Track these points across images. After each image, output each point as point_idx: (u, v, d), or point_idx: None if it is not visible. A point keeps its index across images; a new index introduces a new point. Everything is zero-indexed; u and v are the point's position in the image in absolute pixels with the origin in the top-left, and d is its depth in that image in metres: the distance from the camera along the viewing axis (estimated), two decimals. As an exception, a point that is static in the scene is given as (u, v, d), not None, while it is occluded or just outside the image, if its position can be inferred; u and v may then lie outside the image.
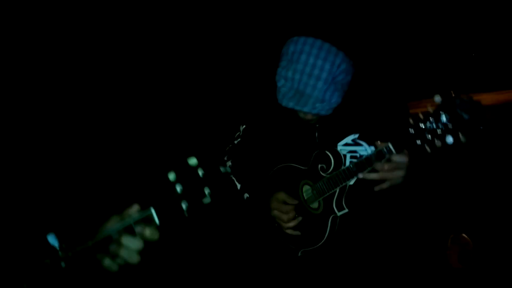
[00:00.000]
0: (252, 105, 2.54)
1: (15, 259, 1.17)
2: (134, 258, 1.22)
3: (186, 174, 1.23)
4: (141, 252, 1.23)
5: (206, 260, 2.91)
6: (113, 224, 1.25)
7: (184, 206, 1.24)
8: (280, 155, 2.37)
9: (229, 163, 2.52)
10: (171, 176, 1.23)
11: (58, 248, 1.18)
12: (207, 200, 1.24)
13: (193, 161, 1.24)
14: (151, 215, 1.24)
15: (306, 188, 2.27)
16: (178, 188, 1.23)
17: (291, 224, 2.24)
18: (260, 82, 2.67)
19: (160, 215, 1.24)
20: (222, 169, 1.28)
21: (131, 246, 1.22)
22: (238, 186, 2.45)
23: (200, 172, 1.25)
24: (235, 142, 2.54)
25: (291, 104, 2.06)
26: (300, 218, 2.25)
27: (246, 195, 2.42)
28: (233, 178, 2.48)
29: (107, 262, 1.21)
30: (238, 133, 2.53)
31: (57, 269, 1.18)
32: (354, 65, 2.14)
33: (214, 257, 2.96)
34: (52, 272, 1.18)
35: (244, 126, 2.52)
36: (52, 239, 1.18)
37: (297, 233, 2.26)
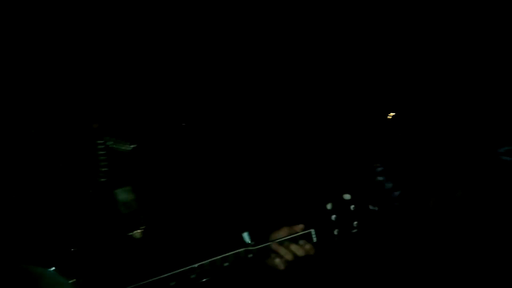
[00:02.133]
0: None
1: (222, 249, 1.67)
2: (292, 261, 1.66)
3: (340, 206, 1.63)
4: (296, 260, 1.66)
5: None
6: (282, 233, 1.69)
7: (335, 232, 1.63)
8: None
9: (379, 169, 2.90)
10: (329, 206, 1.64)
11: (249, 243, 1.68)
12: (354, 231, 1.63)
13: (347, 196, 1.64)
14: (311, 234, 1.64)
15: None
16: (333, 217, 1.62)
17: None
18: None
19: (317, 235, 1.64)
20: (371, 207, 1.62)
21: (296, 252, 1.64)
22: (389, 185, 2.86)
23: (352, 207, 1.62)
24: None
25: None
26: None
27: (396, 193, 2.83)
28: (383, 180, 2.87)
29: (277, 261, 1.66)
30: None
31: (246, 258, 1.67)
32: None
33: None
34: (244, 259, 1.66)
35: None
36: (246, 237, 1.69)
37: None
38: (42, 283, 1.53)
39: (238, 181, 2.81)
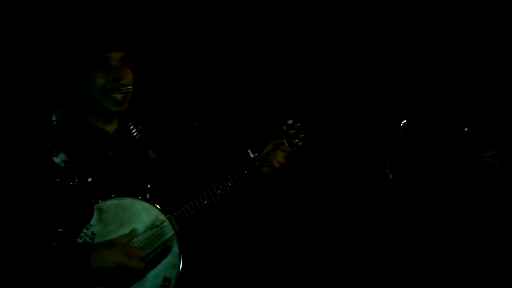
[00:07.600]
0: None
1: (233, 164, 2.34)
2: (280, 163, 2.37)
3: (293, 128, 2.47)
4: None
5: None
6: (270, 146, 2.43)
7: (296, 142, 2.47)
8: None
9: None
10: (284, 127, 2.46)
11: (251, 157, 2.35)
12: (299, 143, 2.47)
13: (290, 121, 2.47)
14: (284, 143, 2.43)
15: None
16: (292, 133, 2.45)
17: None
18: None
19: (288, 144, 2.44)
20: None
21: (278, 158, 2.36)
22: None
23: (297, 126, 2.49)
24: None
25: None
26: None
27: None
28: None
29: (274, 162, 2.37)
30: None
31: (256, 165, 2.34)
32: None
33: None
34: (254, 166, 2.34)
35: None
36: (250, 153, 2.36)
37: None
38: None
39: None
